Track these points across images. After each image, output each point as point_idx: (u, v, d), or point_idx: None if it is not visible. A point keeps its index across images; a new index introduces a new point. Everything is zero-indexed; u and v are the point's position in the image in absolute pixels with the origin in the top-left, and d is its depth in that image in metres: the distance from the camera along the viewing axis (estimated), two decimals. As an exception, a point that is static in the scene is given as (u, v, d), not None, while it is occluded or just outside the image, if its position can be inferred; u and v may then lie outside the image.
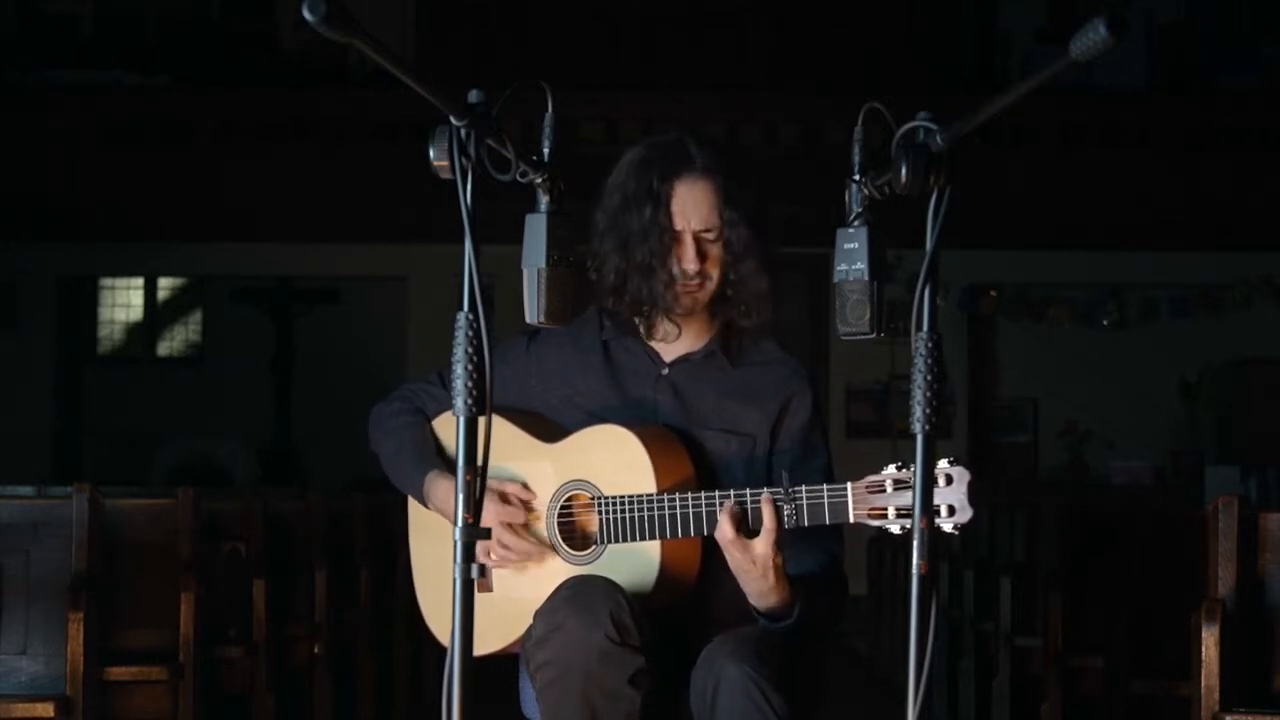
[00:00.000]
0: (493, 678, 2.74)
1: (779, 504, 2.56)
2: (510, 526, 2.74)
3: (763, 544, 2.55)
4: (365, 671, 5.83)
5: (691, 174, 2.80)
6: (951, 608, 6.29)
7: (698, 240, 2.79)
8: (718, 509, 2.60)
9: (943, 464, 2.42)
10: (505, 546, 2.73)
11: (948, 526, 2.40)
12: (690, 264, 2.77)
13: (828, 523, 2.55)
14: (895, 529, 2.49)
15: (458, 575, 1.99)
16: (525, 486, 2.77)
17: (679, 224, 2.78)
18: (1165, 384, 12.61)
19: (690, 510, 2.62)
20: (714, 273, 2.79)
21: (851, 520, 2.53)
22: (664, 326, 2.85)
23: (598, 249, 2.81)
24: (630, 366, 2.86)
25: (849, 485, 2.53)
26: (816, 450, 2.85)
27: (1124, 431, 12.59)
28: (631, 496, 2.66)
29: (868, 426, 12.11)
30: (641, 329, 2.86)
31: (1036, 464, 13.03)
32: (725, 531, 2.57)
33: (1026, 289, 12.56)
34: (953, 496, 2.41)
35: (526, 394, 2.87)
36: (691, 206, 2.79)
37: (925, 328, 2.03)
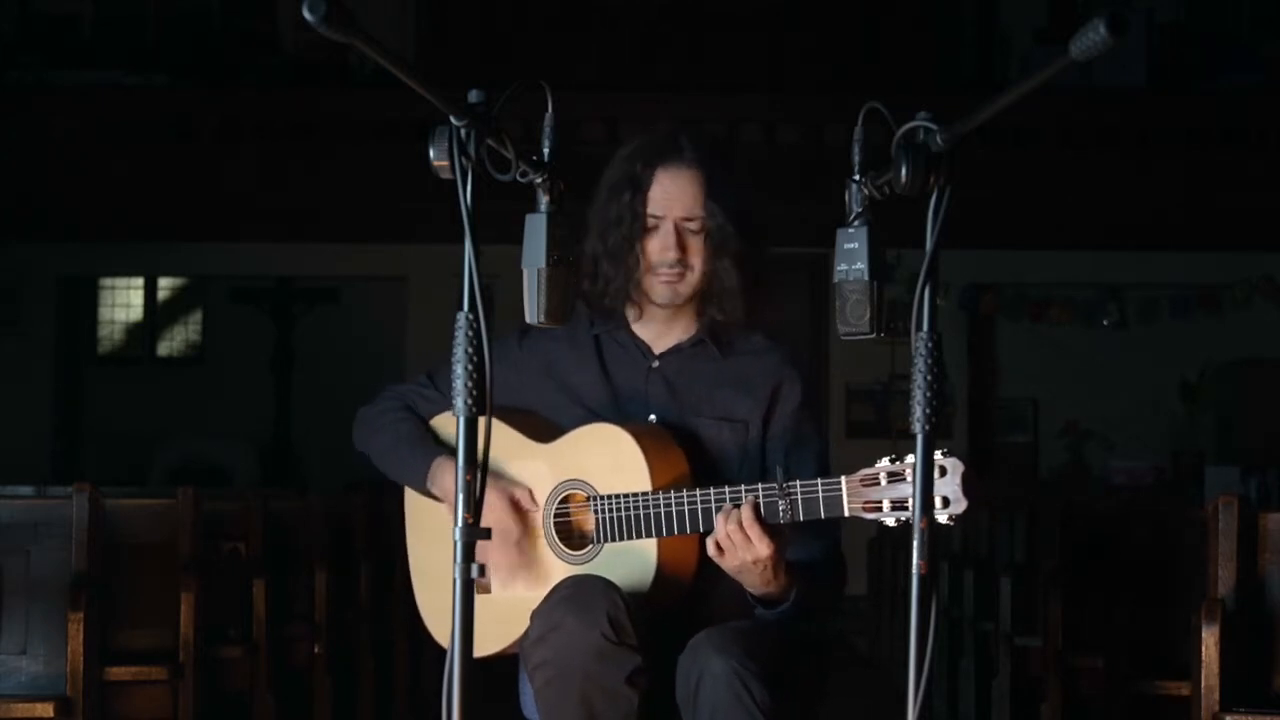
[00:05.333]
0: (493, 678, 2.74)
1: (774, 499, 2.56)
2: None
3: (763, 546, 2.55)
4: (365, 671, 5.82)
5: (677, 163, 2.79)
6: (951, 608, 6.29)
7: (679, 229, 2.78)
8: (713, 505, 2.59)
9: (935, 455, 2.41)
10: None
11: (943, 518, 2.39)
12: (670, 251, 2.76)
13: (823, 517, 2.54)
14: (890, 521, 2.48)
15: (458, 575, 1.99)
16: (530, 495, 2.77)
17: (659, 210, 2.77)
18: (1165, 384, 12.60)
19: (686, 507, 2.61)
20: (696, 263, 2.78)
21: (847, 514, 2.52)
22: (640, 315, 2.84)
23: (584, 241, 2.81)
24: (621, 359, 2.86)
25: (843, 479, 2.52)
26: (809, 437, 2.83)
27: (1124, 431, 12.58)
28: (627, 495, 2.65)
29: (867, 426, 12.10)
30: (629, 317, 2.85)
31: (1036, 464, 13.03)
32: (729, 534, 2.55)
33: (1026, 289, 12.55)
34: (947, 488, 2.40)
35: (521, 391, 2.86)
36: (675, 194, 2.78)
37: (925, 328, 2.03)
